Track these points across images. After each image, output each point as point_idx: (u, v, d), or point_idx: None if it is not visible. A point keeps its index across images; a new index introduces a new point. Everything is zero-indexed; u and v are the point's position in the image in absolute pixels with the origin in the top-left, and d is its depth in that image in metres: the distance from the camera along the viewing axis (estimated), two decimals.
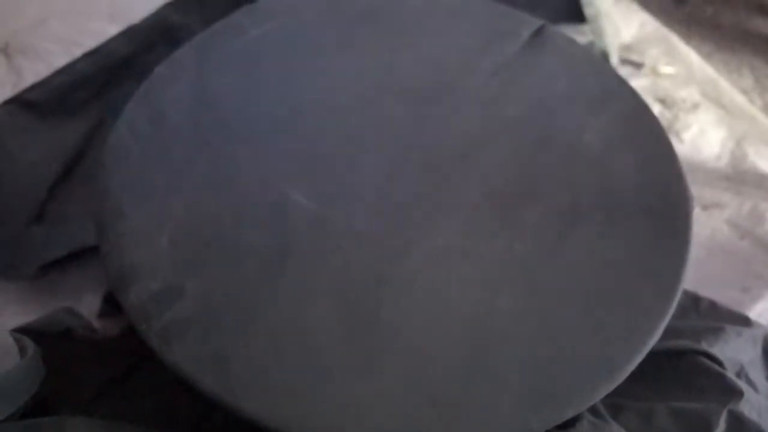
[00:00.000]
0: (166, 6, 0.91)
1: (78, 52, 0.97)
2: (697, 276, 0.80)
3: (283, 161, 0.64)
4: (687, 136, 1.02)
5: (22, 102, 0.83)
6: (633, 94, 0.71)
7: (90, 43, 0.98)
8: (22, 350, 0.58)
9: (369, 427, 0.50)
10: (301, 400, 0.50)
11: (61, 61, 0.97)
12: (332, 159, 0.64)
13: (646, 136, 0.68)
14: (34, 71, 0.97)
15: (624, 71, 1.09)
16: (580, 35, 0.94)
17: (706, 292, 0.79)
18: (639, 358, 0.54)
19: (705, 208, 0.91)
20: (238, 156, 0.64)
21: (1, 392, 0.52)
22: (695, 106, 1.06)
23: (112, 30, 1.01)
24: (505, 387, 0.52)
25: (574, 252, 0.59)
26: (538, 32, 0.76)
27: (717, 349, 0.63)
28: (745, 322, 0.69)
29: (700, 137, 1.02)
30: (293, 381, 0.52)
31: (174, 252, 0.57)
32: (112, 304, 0.68)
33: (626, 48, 1.14)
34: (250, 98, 0.69)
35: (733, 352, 0.64)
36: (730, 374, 0.61)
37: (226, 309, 0.55)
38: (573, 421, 0.56)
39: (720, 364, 0.62)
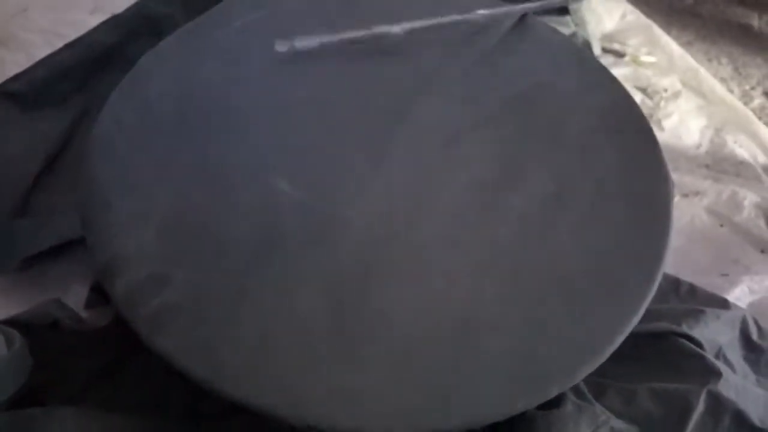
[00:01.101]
0: None
1: (59, 42, 0.96)
2: (678, 262, 0.82)
3: (269, 151, 0.64)
4: (668, 124, 1.03)
5: (4, 93, 0.82)
6: (615, 83, 0.73)
7: (71, 33, 0.98)
8: (9, 342, 0.58)
9: (358, 411, 0.51)
10: (291, 385, 0.51)
11: (41, 51, 0.96)
12: (318, 149, 0.65)
13: (627, 124, 0.69)
14: (15, 62, 0.96)
15: (606, 60, 1.10)
16: (563, 26, 0.95)
17: (686, 277, 0.80)
18: (620, 340, 0.55)
19: (685, 195, 0.93)
20: (223, 146, 0.64)
21: None
22: (676, 95, 1.07)
23: (94, 21, 1.00)
24: (492, 370, 0.53)
25: (558, 238, 0.61)
26: (520, 22, 0.77)
27: (697, 332, 0.65)
28: (724, 304, 0.71)
29: (681, 125, 1.03)
30: (283, 367, 0.52)
31: (160, 241, 0.58)
32: (99, 295, 0.67)
33: (608, 37, 1.15)
34: (235, 89, 0.69)
35: (712, 333, 0.66)
36: (709, 355, 0.63)
37: (213, 297, 0.55)
38: (557, 402, 0.57)
39: (699, 345, 0.64)
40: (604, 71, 0.74)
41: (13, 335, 0.57)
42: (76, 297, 0.69)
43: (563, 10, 0.99)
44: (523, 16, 0.77)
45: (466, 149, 0.65)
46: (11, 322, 0.60)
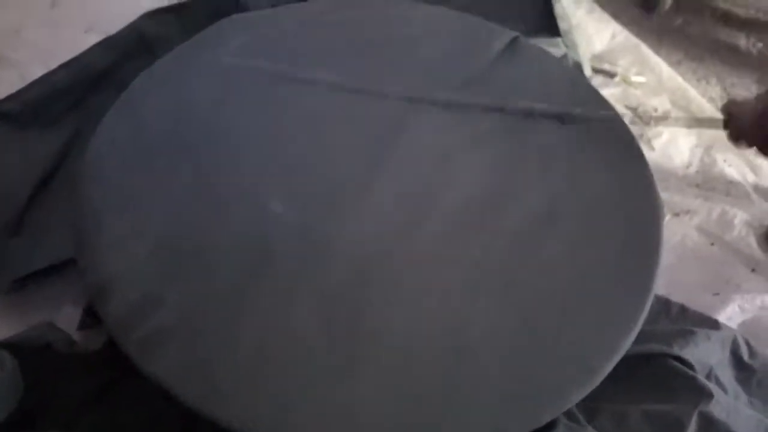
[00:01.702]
0: (142, 17, 0.91)
1: (53, 62, 0.96)
2: (669, 281, 0.82)
3: (262, 170, 0.65)
4: (658, 143, 1.04)
5: None
6: (605, 104, 0.74)
7: (65, 53, 0.98)
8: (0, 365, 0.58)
9: (354, 430, 0.51)
10: (286, 407, 0.51)
11: (35, 70, 0.96)
12: (310, 167, 0.65)
13: (617, 145, 0.70)
14: (8, 81, 0.96)
15: (596, 80, 1.11)
16: (554, 48, 0.96)
17: (678, 296, 0.81)
18: (612, 364, 0.55)
19: (676, 214, 0.94)
20: (217, 166, 0.65)
21: None
22: (665, 115, 1.09)
23: (89, 39, 1.00)
24: (485, 391, 0.54)
25: (549, 259, 0.61)
26: (511, 44, 0.78)
27: (687, 352, 0.65)
28: (714, 325, 0.71)
29: (671, 145, 1.04)
30: (278, 388, 0.52)
31: (153, 262, 0.58)
32: (92, 317, 0.67)
33: (598, 58, 1.17)
34: (227, 109, 0.70)
35: (702, 354, 0.66)
36: (700, 376, 0.63)
37: (207, 318, 0.55)
38: (550, 426, 0.57)
39: (690, 366, 0.64)
40: (594, 92, 0.75)
41: (5, 358, 0.58)
42: (68, 318, 0.69)
43: (554, 32, 1.01)
44: (515, 38, 0.78)
45: (457, 169, 0.65)
46: (3, 345, 0.60)
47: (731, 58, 1.24)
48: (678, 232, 0.92)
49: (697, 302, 0.80)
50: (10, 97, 0.84)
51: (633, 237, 0.63)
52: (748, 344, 0.71)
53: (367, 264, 0.59)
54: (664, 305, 0.74)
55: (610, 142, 0.69)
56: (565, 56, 0.97)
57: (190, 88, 0.70)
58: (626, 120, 1.05)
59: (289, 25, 0.77)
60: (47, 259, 0.71)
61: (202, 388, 0.51)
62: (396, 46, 0.75)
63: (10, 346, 0.60)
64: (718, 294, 0.84)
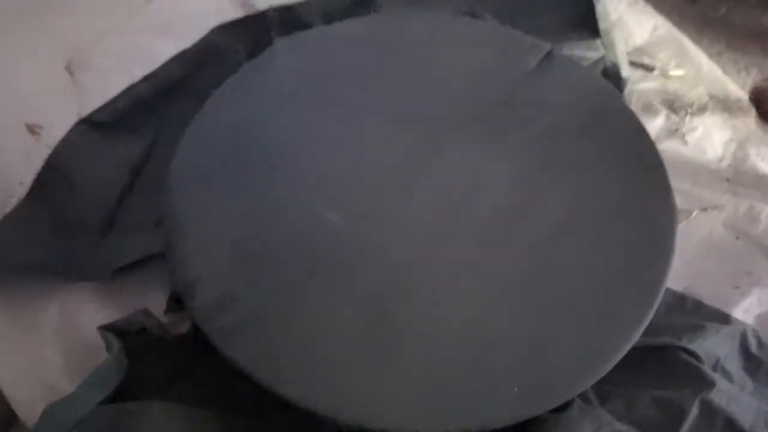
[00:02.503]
0: (213, 31, 1.01)
1: (133, 65, 1.08)
2: (692, 273, 0.89)
3: (317, 184, 0.75)
4: (692, 138, 1.08)
5: (91, 123, 0.94)
6: (630, 117, 0.80)
7: (142, 58, 1.09)
8: (108, 345, 0.71)
9: (389, 411, 0.62)
10: (333, 387, 0.62)
11: (118, 75, 1.08)
12: (358, 181, 0.75)
13: (638, 157, 0.76)
14: (96, 86, 1.08)
15: (635, 74, 1.15)
16: (592, 50, 1.00)
17: (700, 288, 0.87)
18: (618, 357, 0.64)
19: (704, 209, 0.98)
20: (278, 179, 0.75)
21: (97, 381, 0.65)
22: (702, 108, 1.12)
23: (161, 45, 1.11)
24: (505, 379, 0.63)
25: (566, 263, 0.69)
26: (546, 58, 0.84)
27: (696, 345, 0.72)
28: (725, 320, 0.78)
29: (705, 139, 1.08)
30: (329, 370, 0.64)
31: (229, 264, 0.69)
32: (175, 302, 0.79)
33: (639, 51, 1.20)
34: (287, 126, 0.80)
35: (710, 347, 0.73)
36: (705, 367, 0.71)
37: (273, 311, 0.67)
38: (565, 406, 0.66)
39: (697, 358, 0.71)
40: (621, 104, 0.81)
41: (112, 340, 0.70)
42: (156, 303, 0.81)
43: (595, 32, 1.05)
44: (549, 52, 0.85)
45: (485, 181, 0.74)
46: (109, 328, 0.73)
47: None
48: (705, 227, 0.97)
49: (717, 294, 0.86)
50: (100, 109, 0.95)
51: (646, 243, 0.70)
52: (757, 337, 0.78)
53: (403, 268, 0.69)
54: (680, 300, 0.80)
55: (630, 155, 0.76)
56: (602, 58, 1.02)
57: (252, 110, 0.80)
58: (662, 115, 1.11)
59: (337, 45, 0.86)
60: (137, 253, 0.83)
61: (269, 369, 0.63)
62: (436, 65, 0.83)
63: (114, 329, 0.72)
64: (738, 287, 0.89)
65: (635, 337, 0.65)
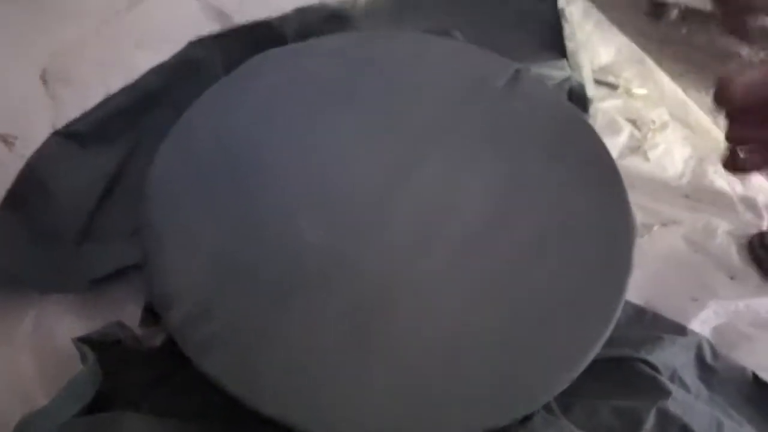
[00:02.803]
0: (190, 44, 1.02)
1: (110, 76, 1.09)
2: (652, 286, 0.93)
3: (296, 198, 0.77)
4: (653, 155, 1.13)
5: (68, 133, 0.94)
6: (594, 138, 0.83)
7: (119, 68, 1.10)
8: (82, 357, 0.71)
9: (367, 423, 0.64)
10: (311, 402, 0.64)
11: (94, 85, 1.09)
12: (337, 196, 0.77)
13: (601, 177, 0.80)
14: (71, 97, 1.08)
15: (600, 92, 1.20)
16: (557, 70, 1.04)
17: (661, 300, 0.91)
18: (581, 368, 0.67)
19: (664, 224, 1.03)
20: (256, 193, 0.77)
21: (72, 393, 0.66)
22: (663, 126, 1.17)
23: (138, 56, 1.12)
24: (475, 389, 0.66)
25: (536, 278, 0.72)
26: (514, 78, 0.87)
27: (654, 356, 0.76)
28: (681, 331, 0.82)
29: (666, 156, 1.13)
30: (307, 383, 0.65)
31: (205, 278, 0.71)
32: (151, 314, 0.80)
33: (604, 70, 1.25)
34: (266, 139, 0.82)
35: (667, 357, 0.77)
36: (663, 377, 0.74)
37: (250, 325, 0.68)
38: (529, 417, 0.69)
39: (655, 368, 0.75)
40: (585, 125, 0.85)
41: (87, 352, 0.71)
42: (131, 316, 0.82)
43: (561, 53, 1.09)
44: (517, 71, 0.88)
45: (461, 201, 0.77)
46: (83, 340, 0.74)
47: (733, 67, 1.32)
48: (665, 242, 1.01)
49: (675, 306, 0.90)
50: (77, 120, 0.95)
51: (606, 258, 0.73)
52: (712, 348, 0.82)
53: (383, 282, 0.71)
54: (639, 313, 0.84)
55: (595, 176, 0.79)
56: (568, 78, 1.06)
57: (231, 123, 0.82)
58: (625, 131, 1.16)
59: (312, 61, 0.88)
60: (113, 264, 0.84)
61: (245, 383, 0.64)
62: (413, 83, 0.86)
63: (89, 341, 0.73)
64: (696, 299, 0.93)
65: (596, 350, 0.67)
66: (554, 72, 1.03)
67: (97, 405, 0.70)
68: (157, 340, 0.77)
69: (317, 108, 0.84)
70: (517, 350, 0.68)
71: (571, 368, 0.67)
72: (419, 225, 0.75)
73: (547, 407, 0.71)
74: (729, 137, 0.62)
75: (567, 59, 1.08)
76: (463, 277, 0.72)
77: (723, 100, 0.59)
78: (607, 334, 0.69)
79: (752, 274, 0.97)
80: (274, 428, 0.64)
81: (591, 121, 1.04)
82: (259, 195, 0.77)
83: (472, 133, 0.82)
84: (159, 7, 1.20)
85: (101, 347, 0.73)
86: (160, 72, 1.01)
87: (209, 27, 1.13)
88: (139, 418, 0.67)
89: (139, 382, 0.74)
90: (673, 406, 0.71)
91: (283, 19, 1.05)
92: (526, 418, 0.69)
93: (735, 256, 1.00)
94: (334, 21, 1.07)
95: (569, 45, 1.10)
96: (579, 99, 1.05)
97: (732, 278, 0.97)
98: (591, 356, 0.68)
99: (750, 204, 1.06)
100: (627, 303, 0.80)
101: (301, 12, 1.06)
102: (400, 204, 0.76)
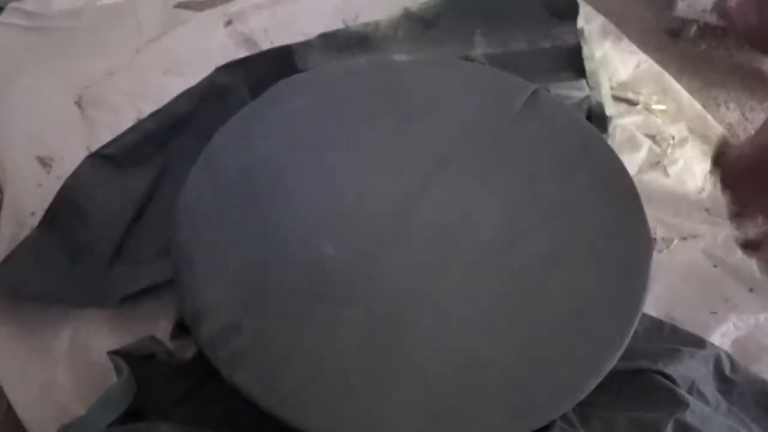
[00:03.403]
0: (216, 70, 1.07)
1: (139, 102, 1.14)
2: (672, 299, 0.93)
3: (319, 218, 0.80)
4: (673, 170, 1.13)
5: (102, 156, 0.99)
6: (611, 156, 0.85)
7: (150, 94, 1.15)
8: (117, 369, 0.75)
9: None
10: (333, 413, 0.66)
11: (126, 109, 1.14)
12: (357, 217, 0.80)
13: (619, 194, 0.82)
14: (105, 121, 1.14)
15: (619, 109, 1.21)
16: (576, 90, 1.06)
17: (680, 313, 0.91)
18: (597, 380, 0.68)
19: (684, 238, 1.03)
20: (280, 215, 0.80)
21: (107, 404, 0.70)
22: (683, 141, 1.18)
23: (168, 82, 1.17)
24: (492, 402, 0.68)
25: (551, 292, 0.74)
26: (531, 99, 0.90)
27: (672, 369, 0.77)
28: (700, 344, 0.82)
29: (685, 171, 1.13)
30: (328, 395, 0.68)
31: (233, 295, 0.74)
32: (181, 329, 0.84)
33: (623, 86, 1.26)
34: (290, 162, 0.85)
35: (686, 370, 0.78)
36: (681, 390, 0.75)
37: (275, 340, 0.71)
38: (547, 428, 0.70)
39: (673, 381, 0.76)
40: (603, 144, 0.87)
41: (121, 365, 0.75)
42: (163, 330, 0.86)
43: (580, 73, 1.11)
44: (534, 92, 0.90)
45: (478, 219, 0.79)
46: (118, 353, 0.77)
47: (751, 82, 1.31)
48: (685, 256, 1.01)
49: (696, 319, 0.91)
50: (110, 143, 1.00)
51: (624, 272, 0.75)
52: (731, 360, 0.82)
53: (402, 297, 0.73)
54: (657, 326, 0.85)
55: (612, 193, 0.81)
56: (587, 98, 1.07)
57: (256, 147, 0.86)
58: (645, 147, 1.17)
59: (338, 85, 0.92)
60: (144, 281, 0.88)
61: (273, 396, 0.67)
62: (431, 107, 0.89)
63: (123, 354, 0.76)
64: (715, 313, 0.94)
65: (614, 362, 0.69)
66: (573, 92, 1.05)
67: (131, 416, 0.73)
68: (188, 353, 0.80)
69: (339, 131, 0.87)
70: (534, 362, 0.70)
71: (588, 380, 0.69)
72: (438, 242, 0.78)
73: (565, 419, 0.73)
74: (731, 214, 0.65)
75: (586, 79, 1.10)
76: (481, 292, 0.74)
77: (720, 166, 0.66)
78: (624, 346, 0.70)
79: None
80: None
81: (610, 139, 1.05)
82: (283, 215, 0.80)
83: (490, 154, 0.85)
84: (188, 35, 1.26)
85: (135, 360, 0.77)
86: (188, 97, 1.05)
87: (236, 53, 1.18)
88: (172, 428, 0.70)
89: (171, 395, 0.77)
90: (691, 418, 0.72)
91: (307, 44, 1.09)
92: (544, 429, 0.70)
93: (755, 269, 0.99)
94: (356, 45, 1.11)
95: (588, 65, 1.12)
96: (598, 118, 1.06)
97: (752, 291, 0.97)
98: (607, 368, 0.70)
99: None
100: (645, 316, 0.81)
101: (324, 37, 1.11)
102: (420, 222, 0.79)
